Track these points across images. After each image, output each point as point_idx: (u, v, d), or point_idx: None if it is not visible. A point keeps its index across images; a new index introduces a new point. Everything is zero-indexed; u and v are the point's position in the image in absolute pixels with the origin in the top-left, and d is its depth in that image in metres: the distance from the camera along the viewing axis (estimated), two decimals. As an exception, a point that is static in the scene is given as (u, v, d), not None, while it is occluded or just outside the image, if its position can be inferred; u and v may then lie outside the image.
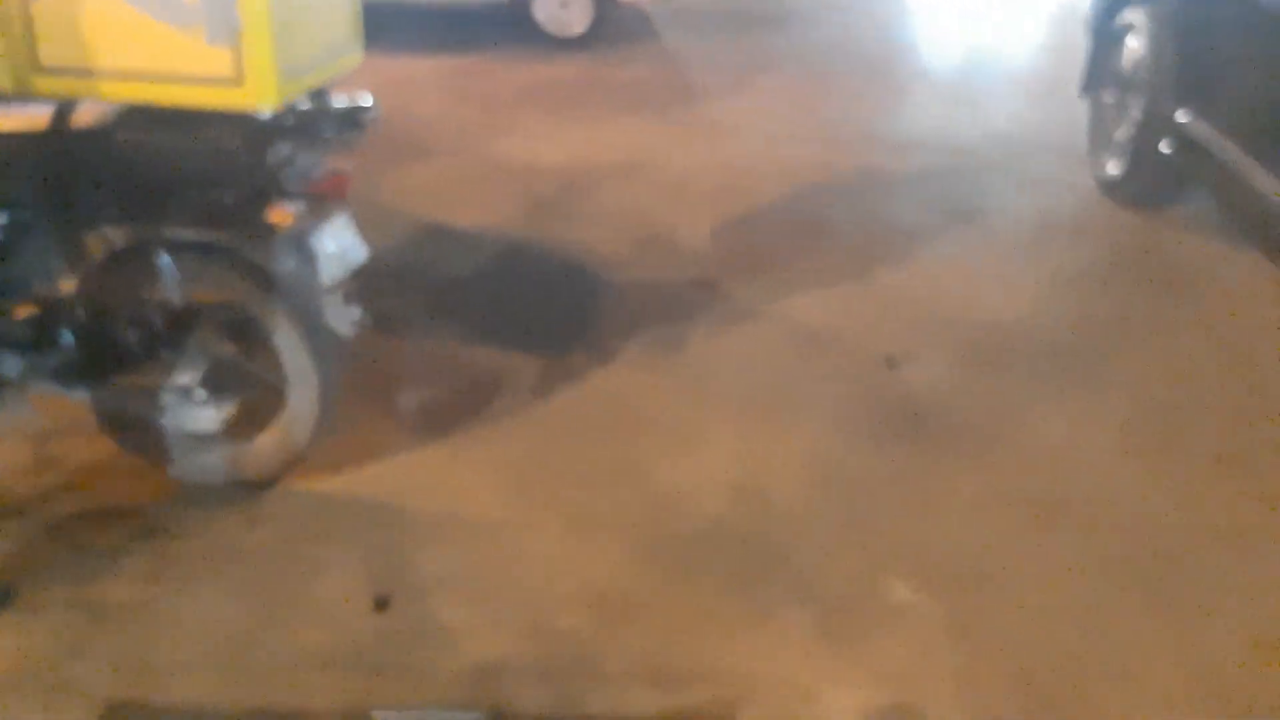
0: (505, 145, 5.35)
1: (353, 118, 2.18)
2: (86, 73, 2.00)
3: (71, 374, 2.39)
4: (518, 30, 7.31)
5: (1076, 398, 3.12)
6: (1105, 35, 4.74)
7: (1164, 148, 4.11)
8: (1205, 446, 2.88)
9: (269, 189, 2.18)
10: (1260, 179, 3.43)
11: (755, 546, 2.47)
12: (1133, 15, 4.47)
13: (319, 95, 2.23)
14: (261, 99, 1.97)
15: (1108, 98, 4.75)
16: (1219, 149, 3.74)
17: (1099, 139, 4.82)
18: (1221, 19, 3.95)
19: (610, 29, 7.32)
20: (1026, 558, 2.46)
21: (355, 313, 2.37)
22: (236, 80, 1.93)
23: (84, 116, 2.09)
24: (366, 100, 2.24)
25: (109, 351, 2.37)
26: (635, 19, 8.11)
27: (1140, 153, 4.31)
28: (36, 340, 2.36)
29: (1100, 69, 4.83)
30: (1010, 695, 2.07)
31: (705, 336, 3.45)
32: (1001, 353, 3.38)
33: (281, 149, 2.16)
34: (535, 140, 5.44)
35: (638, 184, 4.86)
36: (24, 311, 2.41)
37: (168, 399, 2.36)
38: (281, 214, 2.13)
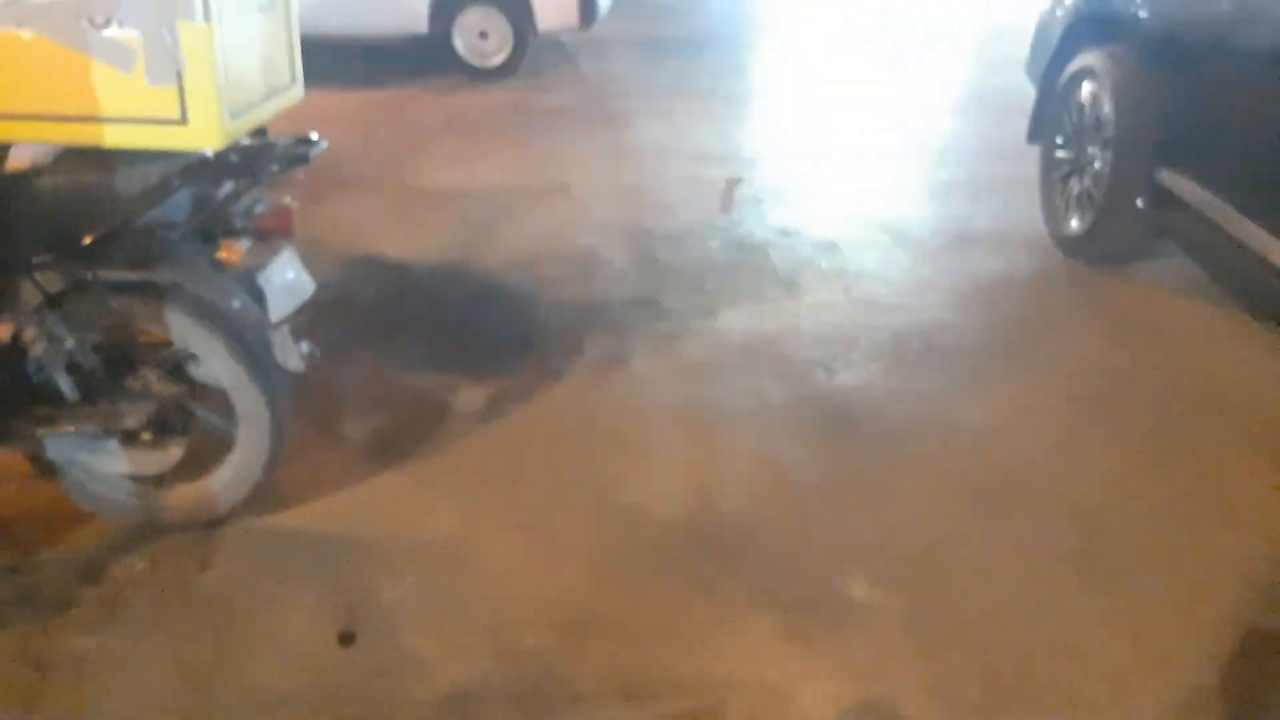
0: (432, 174, 5.36)
1: (297, 153, 2.19)
2: (22, 116, 1.96)
3: (6, 423, 2.32)
4: (438, 62, 7.33)
5: (1005, 393, 3.27)
6: (1054, 81, 4.32)
7: (1140, 204, 3.77)
8: (1133, 433, 3.04)
9: (215, 226, 2.17)
10: (1260, 240, 3.11)
11: (714, 553, 2.52)
12: (1090, 60, 4.05)
13: (260, 131, 2.23)
14: (206, 138, 1.97)
15: (1061, 148, 4.34)
16: (1208, 208, 3.38)
17: (1054, 192, 4.40)
18: (1202, 60, 3.52)
19: (529, 59, 7.39)
20: (973, 545, 2.56)
21: (303, 347, 2.36)
22: (180, 120, 1.92)
23: (18, 159, 2.05)
24: (312, 135, 2.24)
25: (47, 398, 2.31)
26: (553, 49, 8.21)
27: (1109, 211, 3.92)
28: None
29: (1050, 117, 4.40)
30: (973, 681, 2.15)
31: (645, 351, 3.52)
32: (930, 353, 3.53)
33: (226, 186, 2.15)
34: (461, 168, 5.47)
35: (565, 207, 4.92)
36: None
37: (111, 443, 2.32)
38: (230, 251, 2.12)
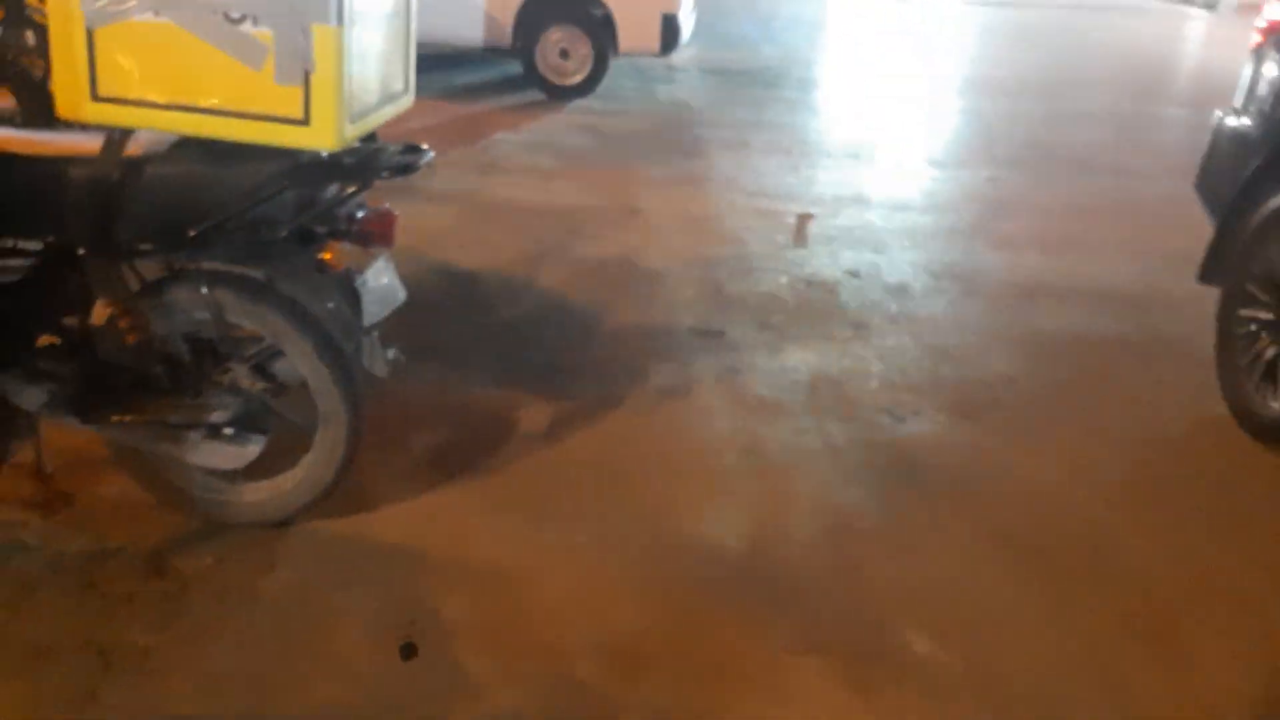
0: (505, 190, 5.38)
1: (405, 161, 2.18)
2: (148, 103, 1.97)
3: (92, 407, 2.31)
4: (516, 77, 7.39)
5: (1068, 451, 3.21)
6: (1248, 213, 3.34)
7: None
8: (1196, 505, 2.96)
9: (319, 227, 2.17)
10: None
11: (769, 594, 2.48)
12: None
13: (371, 136, 2.23)
14: (324, 140, 1.96)
15: (1257, 303, 3.32)
16: None
17: (1241, 356, 3.36)
18: None
19: (608, 80, 7.42)
20: (1034, 606, 2.51)
21: (390, 354, 2.35)
22: (302, 120, 1.92)
23: (136, 145, 2.06)
24: (422, 145, 2.24)
25: (135, 384, 2.31)
26: (630, 72, 8.24)
27: None
28: (57, 371, 2.30)
29: (1238, 259, 3.37)
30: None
31: (709, 383, 3.49)
32: (997, 407, 3.47)
33: (332, 188, 2.15)
34: (534, 185, 5.48)
35: (635, 231, 4.91)
36: (45, 341, 2.36)
37: (193, 435, 2.31)
38: (331, 253, 2.11)
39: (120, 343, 2.22)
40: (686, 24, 7.39)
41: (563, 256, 4.52)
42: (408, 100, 2.33)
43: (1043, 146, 7.18)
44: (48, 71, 4.25)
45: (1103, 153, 7.07)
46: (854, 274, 4.55)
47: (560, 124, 6.80)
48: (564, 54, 7.18)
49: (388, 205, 2.35)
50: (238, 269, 2.19)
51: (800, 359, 3.70)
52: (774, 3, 13.92)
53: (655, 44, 7.09)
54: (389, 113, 2.23)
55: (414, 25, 2.28)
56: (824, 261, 4.68)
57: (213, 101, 1.95)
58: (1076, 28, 14.16)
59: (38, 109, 4.31)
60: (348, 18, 1.88)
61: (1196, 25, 15.75)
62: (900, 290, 4.40)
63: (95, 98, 1.99)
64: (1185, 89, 10.76)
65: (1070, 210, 5.76)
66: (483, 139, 6.30)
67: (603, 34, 7.10)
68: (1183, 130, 8.25)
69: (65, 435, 2.45)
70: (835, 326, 4.01)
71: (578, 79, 7.24)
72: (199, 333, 2.27)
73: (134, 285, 2.23)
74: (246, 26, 1.87)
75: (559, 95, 7.24)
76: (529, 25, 7.09)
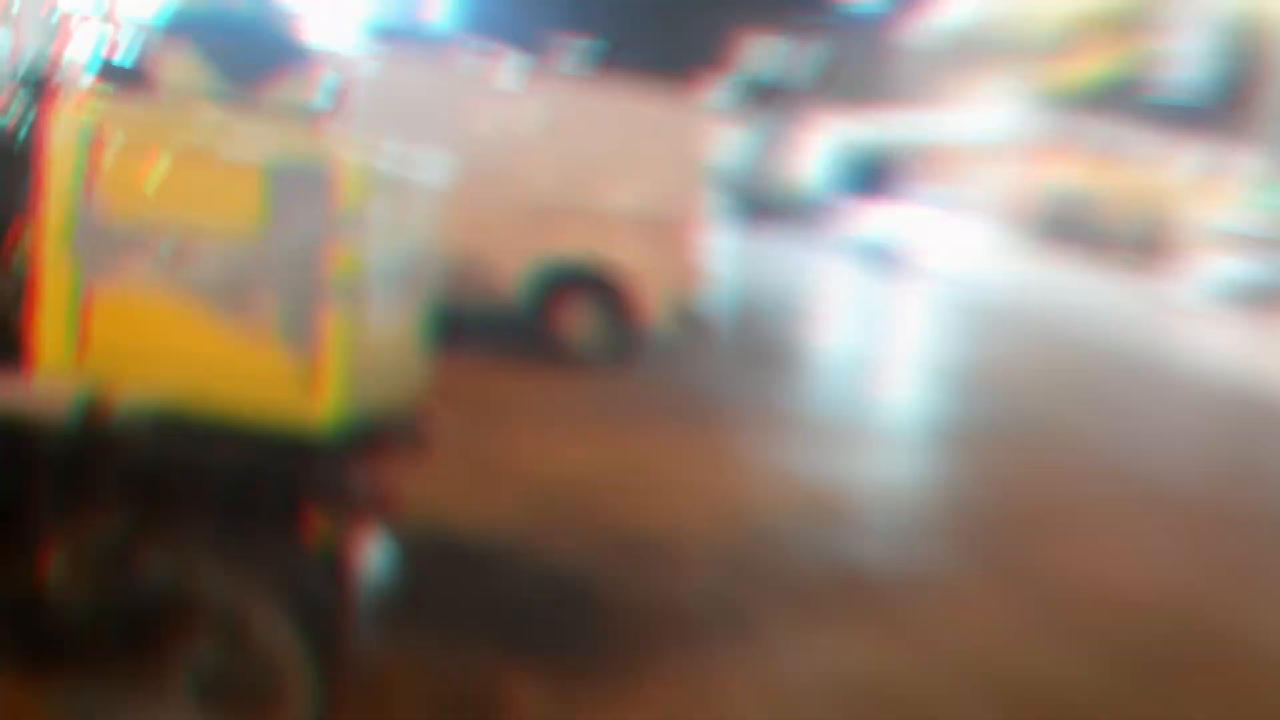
0: (514, 453, 5.36)
1: (409, 436, 2.18)
2: (138, 368, 1.95)
3: (37, 664, 2.19)
4: (530, 342, 7.55)
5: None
6: None
7: None
8: None
9: (312, 502, 2.14)
10: None
11: None
12: None
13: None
14: (326, 418, 1.95)
15: None
16: None
17: None
18: None
19: (623, 353, 7.54)
20: None
21: (376, 628, 2.24)
22: (303, 399, 1.91)
23: (115, 413, 2.02)
24: (425, 420, 2.25)
25: (88, 643, 2.20)
26: (649, 346, 8.45)
27: None
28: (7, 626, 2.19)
29: None
30: None
31: (728, 670, 3.28)
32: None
33: (331, 467, 2.13)
34: (546, 449, 5.48)
35: (650, 501, 4.84)
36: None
37: (151, 699, 2.17)
38: (320, 530, 2.06)
39: (76, 601, 2.13)
40: (705, 305, 7.64)
41: (573, 524, 4.42)
42: (420, 383, 2.35)
43: (1068, 442, 7.21)
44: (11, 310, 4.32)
45: (1137, 458, 7.09)
46: (884, 560, 4.44)
47: (575, 390, 6.89)
48: (577, 326, 7.33)
49: (389, 478, 2.32)
50: (216, 540, 2.13)
51: (824, 645, 3.53)
52: (806, 297, 14.51)
53: (673, 324, 7.28)
54: (397, 395, 2.23)
55: (429, 302, 2.34)
56: (853, 545, 4.58)
57: (209, 374, 1.93)
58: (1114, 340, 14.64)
59: None
60: (363, 305, 1.93)
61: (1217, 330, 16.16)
62: (938, 585, 4.26)
63: (80, 355, 1.96)
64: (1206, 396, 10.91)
65: (1108, 512, 5.70)
66: (494, 401, 6.37)
67: (619, 310, 7.27)
68: (1219, 437, 8.32)
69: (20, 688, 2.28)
70: (864, 613, 3.86)
71: (594, 350, 7.35)
72: (168, 598, 2.18)
73: (98, 544, 2.16)
74: (254, 303, 1.90)
75: (575, 365, 7.35)
76: (542, 291, 7.22)
